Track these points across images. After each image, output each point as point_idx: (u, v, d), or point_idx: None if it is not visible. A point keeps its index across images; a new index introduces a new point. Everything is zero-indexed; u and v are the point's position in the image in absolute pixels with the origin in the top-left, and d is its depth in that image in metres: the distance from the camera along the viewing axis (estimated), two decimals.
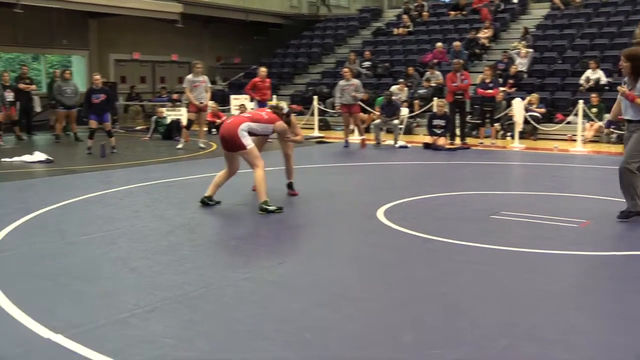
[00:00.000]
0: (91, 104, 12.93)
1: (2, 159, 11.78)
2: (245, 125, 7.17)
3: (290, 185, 8.22)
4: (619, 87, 6.88)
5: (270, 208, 7.05)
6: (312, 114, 17.97)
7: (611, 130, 13.53)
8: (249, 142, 7.17)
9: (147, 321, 3.93)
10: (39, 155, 11.73)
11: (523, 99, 15.61)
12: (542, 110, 16.28)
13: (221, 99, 20.76)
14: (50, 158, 11.67)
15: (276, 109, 7.76)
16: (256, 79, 14.81)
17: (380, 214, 7.09)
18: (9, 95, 15.85)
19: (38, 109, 18.48)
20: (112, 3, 20.41)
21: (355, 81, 14.52)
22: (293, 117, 7.98)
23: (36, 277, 4.86)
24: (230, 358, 3.46)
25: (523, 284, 4.74)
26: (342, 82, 14.49)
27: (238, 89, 22.14)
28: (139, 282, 4.71)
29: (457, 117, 14.58)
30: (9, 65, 22.10)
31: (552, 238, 6.09)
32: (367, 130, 15.83)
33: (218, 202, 7.45)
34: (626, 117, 6.78)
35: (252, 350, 3.54)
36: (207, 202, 7.36)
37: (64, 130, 16.41)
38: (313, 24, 26.92)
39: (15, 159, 11.73)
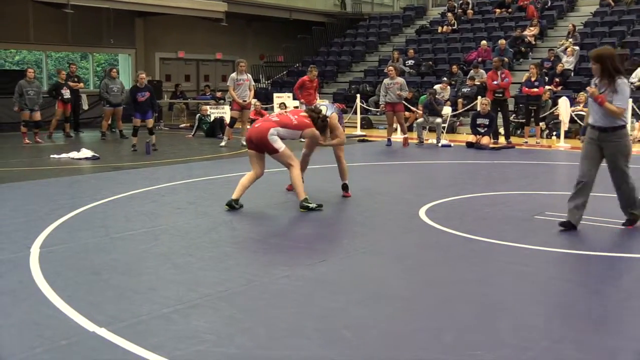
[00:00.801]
0: (136, 101, 13.12)
1: (51, 156, 12.05)
2: (273, 130, 7.12)
3: (344, 187, 8.10)
4: (588, 88, 6.34)
5: (311, 205, 7.05)
6: (355, 113, 17.95)
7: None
8: (280, 144, 7.16)
9: (189, 317, 3.98)
10: (85, 152, 11.96)
11: (569, 97, 15.36)
12: None
13: (264, 97, 20.89)
14: (96, 155, 11.90)
15: (312, 112, 7.54)
16: (305, 78, 14.66)
17: (422, 213, 7.04)
18: (66, 93, 16.18)
19: (85, 106, 18.85)
20: (158, 2, 20.69)
21: (400, 80, 14.45)
22: (333, 117, 7.80)
23: (82, 271, 4.96)
24: (270, 355, 3.48)
25: (566, 286, 4.67)
26: (386, 81, 14.43)
27: (281, 87, 22.26)
28: (181, 278, 4.77)
29: (499, 115, 14.44)
30: (59, 64, 22.59)
31: (598, 240, 5.98)
32: (409, 129, 15.75)
33: (241, 206, 7.29)
34: (596, 124, 6.13)
35: (292, 348, 3.55)
36: (233, 206, 7.19)
37: (110, 128, 16.70)
38: (357, 23, 26.89)
39: (63, 155, 11.98)
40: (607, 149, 6.16)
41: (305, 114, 7.51)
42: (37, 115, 14.84)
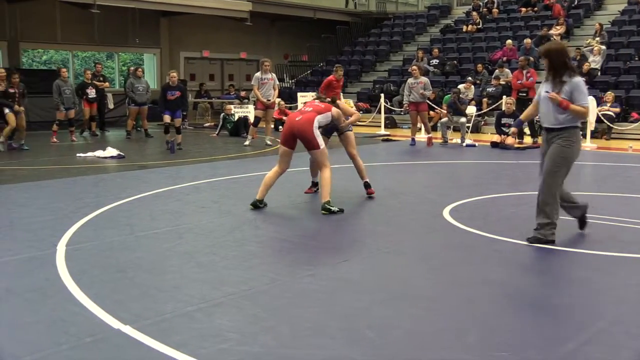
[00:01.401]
0: (166, 100, 13.18)
1: (77, 155, 12.17)
2: (316, 122, 7.18)
3: (366, 185, 8.07)
4: (549, 95, 5.69)
5: (333, 209, 7.03)
6: (379, 112, 17.91)
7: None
8: (322, 142, 7.21)
9: (213, 315, 4.00)
10: (111, 151, 12.07)
11: (596, 97, 15.19)
12: (617, 109, 15.79)
13: (288, 96, 20.93)
14: (121, 154, 12.00)
15: (320, 99, 7.79)
16: (331, 78, 14.61)
17: (446, 213, 7.01)
18: (91, 92, 16.33)
19: (111, 105, 19.02)
20: (183, 2, 20.83)
21: (424, 79, 14.39)
22: (340, 102, 7.94)
23: (107, 269, 5.01)
24: (294, 354, 3.48)
25: (592, 287, 4.62)
26: (410, 80, 14.38)
27: (305, 86, 22.29)
28: (205, 277, 4.79)
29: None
30: (85, 64, 22.82)
31: (624, 241, 5.90)
32: (433, 128, 15.68)
33: (265, 205, 7.33)
34: (545, 125, 5.83)
35: (315, 347, 3.55)
36: (258, 205, 7.22)
37: (135, 127, 16.83)
38: (381, 22, 26.84)
39: (89, 154, 12.11)
40: (550, 148, 5.86)
41: (318, 101, 7.65)
42: (72, 114, 15.05)
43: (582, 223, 6.20)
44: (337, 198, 7.54)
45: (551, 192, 5.86)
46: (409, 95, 14.23)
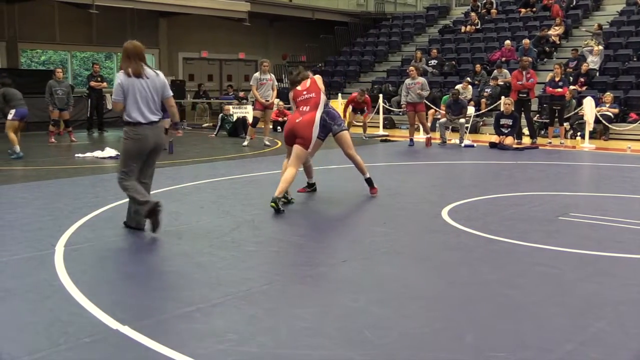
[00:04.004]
0: None
1: (75, 155, 12.17)
2: (317, 121, 7.23)
3: (368, 182, 8.04)
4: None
5: (280, 208, 6.99)
6: (377, 112, 17.92)
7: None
8: (312, 145, 7.29)
9: (211, 316, 4.00)
10: (109, 151, 12.07)
11: (594, 97, 15.21)
12: (615, 110, 15.81)
13: (287, 97, 20.91)
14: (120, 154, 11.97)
15: (300, 74, 7.69)
16: (353, 96, 14.54)
17: (444, 213, 7.02)
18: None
19: (109, 106, 19.01)
20: (182, 2, 20.84)
21: (421, 79, 14.41)
22: (318, 78, 7.72)
23: (105, 269, 5.01)
24: (292, 355, 3.48)
25: (591, 288, 4.62)
26: (408, 81, 14.41)
27: None
28: (203, 277, 4.79)
29: (522, 116, 14.36)
30: (83, 64, 22.83)
31: (623, 241, 5.91)
32: (432, 128, 15.70)
33: (292, 199, 7.48)
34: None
35: (313, 348, 3.56)
36: (279, 209, 7.00)
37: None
38: (379, 22, 26.85)
39: (88, 154, 12.11)
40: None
41: (300, 87, 7.53)
42: (66, 115, 15.05)
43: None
44: (335, 198, 7.56)
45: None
46: (407, 95, 14.25)
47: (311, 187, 8.27)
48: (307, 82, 7.50)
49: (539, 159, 12.17)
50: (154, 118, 6.04)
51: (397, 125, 19.01)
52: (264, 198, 7.46)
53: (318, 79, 7.53)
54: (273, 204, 6.96)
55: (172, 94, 6.34)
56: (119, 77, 6.03)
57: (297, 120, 7.29)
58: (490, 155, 12.79)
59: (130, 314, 3.99)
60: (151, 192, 8.05)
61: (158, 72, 6.20)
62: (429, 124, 15.41)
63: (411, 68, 14.79)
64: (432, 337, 3.73)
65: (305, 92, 7.45)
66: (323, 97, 7.42)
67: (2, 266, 5.04)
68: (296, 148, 7.27)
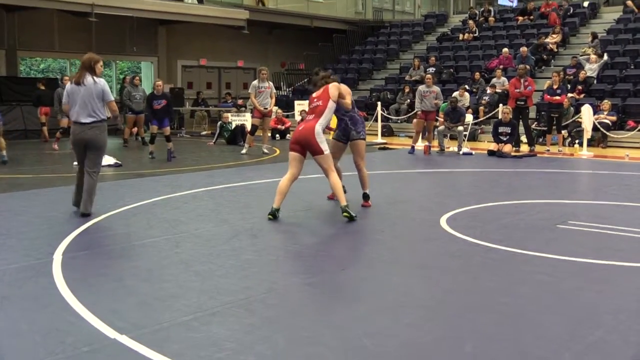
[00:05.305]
0: (152, 109, 13.20)
1: (74, 163, 12.14)
2: (318, 127, 7.17)
3: (364, 196, 8.01)
4: None
5: (353, 214, 7.03)
6: (376, 120, 17.94)
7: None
8: (326, 147, 7.19)
9: (209, 324, 3.99)
10: (108, 159, 12.03)
11: (592, 105, 15.23)
12: (613, 117, 15.83)
13: (285, 104, 20.94)
14: (118, 162, 11.99)
15: (323, 78, 7.61)
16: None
17: (443, 221, 7.01)
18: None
19: (108, 114, 19.00)
20: (181, 11, 20.89)
21: (436, 88, 14.49)
22: (344, 87, 7.69)
23: (104, 278, 5.00)
24: None
25: (589, 296, 4.61)
26: (422, 88, 14.40)
27: (302, 94, 22.32)
28: (201, 286, 4.78)
29: (520, 123, 14.39)
30: None
31: (622, 249, 5.91)
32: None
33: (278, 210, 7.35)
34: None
35: (312, 357, 3.55)
36: (276, 215, 7.16)
37: (132, 134, 16.84)
38: (378, 30, 26.91)
39: None
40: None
41: (315, 93, 7.50)
42: (65, 122, 15.08)
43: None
44: (334, 206, 7.55)
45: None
46: (421, 102, 14.27)
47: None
48: (322, 89, 7.48)
49: (537, 166, 12.17)
50: (88, 120, 7.22)
51: (396, 133, 19.01)
52: (263, 206, 7.45)
53: (333, 87, 7.41)
54: (346, 213, 7.00)
55: (112, 98, 7.48)
56: (67, 84, 7.46)
57: (300, 128, 7.33)
58: (488, 163, 12.79)
59: (128, 323, 3.98)
60: (150, 200, 8.09)
61: (97, 80, 7.28)
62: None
63: (428, 76, 14.83)
64: (431, 346, 3.72)
65: (315, 99, 7.46)
66: (331, 105, 7.31)
67: None
68: (316, 160, 7.26)
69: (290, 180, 7.31)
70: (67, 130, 14.85)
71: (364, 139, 8.09)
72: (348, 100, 7.63)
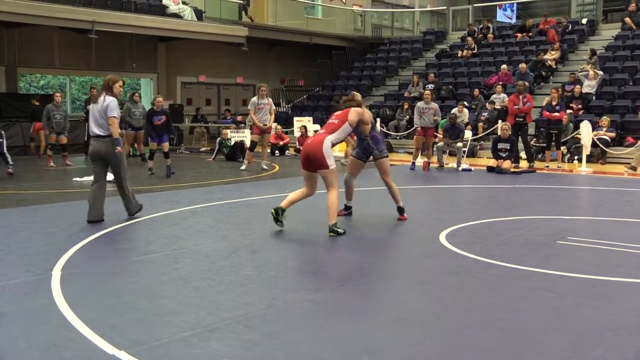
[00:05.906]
0: (152, 125, 13.24)
1: (73, 179, 12.16)
2: (327, 141, 7.18)
3: (399, 210, 8.16)
4: None
5: (340, 231, 7.07)
6: None
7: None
8: (332, 162, 7.19)
9: (208, 341, 3.97)
10: (107, 176, 12.02)
11: (591, 121, 15.27)
12: (612, 134, 15.87)
13: (285, 120, 20.98)
14: None
15: (346, 102, 7.72)
16: None
17: (442, 237, 7.00)
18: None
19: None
20: (180, 28, 20.98)
21: (435, 105, 14.56)
22: (367, 112, 7.79)
23: (102, 294, 4.98)
24: None
25: (590, 312, 4.60)
26: (421, 104, 14.48)
27: (301, 111, 22.39)
28: (201, 302, 4.77)
29: (519, 139, 14.42)
30: (82, 89, 22.90)
31: (622, 265, 5.90)
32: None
33: (285, 217, 7.43)
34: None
35: None
36: (277, 218, 7.25)
37: (133, 151, 16.86)
38: (377, 47, 27.02)
39: (85, 178, 12.07)
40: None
41: (338, 112, 7.56)
42: (63, 139, 15.10)
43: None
44: (357, 222, 7.55)
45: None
46: (420, 119, 14.33)
47: (347, 210, 8.29)
48: (343, 110, 7.52)
49: (537, 182, 12.18)
50: (99, 132, 7.83)
51: (395, 150, 19.03)
52: (262, 222, 7.44)
53: (354, 112, 7.42)
54: (332, 233, 7.07)
55: (112, 114, 7.79)
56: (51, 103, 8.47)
57: (308, 142, 7.38)
58: (487, 179, 12.80)
59: (127, 338, 3.96)
60: (149, 216, 8.08)
61: (107, 98, 7.81)
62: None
63: (427, 93, 14.90)
64: None
65: (333, 118, 7.52)
66: (345, 126, 7.33)
67: None
68: (320, 174, 7.27)
69: (303, 195, 7.42)
70: (54, 146, 14.95)
71: (387, 156, 8.26)
72: (368, 127, 7.79)
